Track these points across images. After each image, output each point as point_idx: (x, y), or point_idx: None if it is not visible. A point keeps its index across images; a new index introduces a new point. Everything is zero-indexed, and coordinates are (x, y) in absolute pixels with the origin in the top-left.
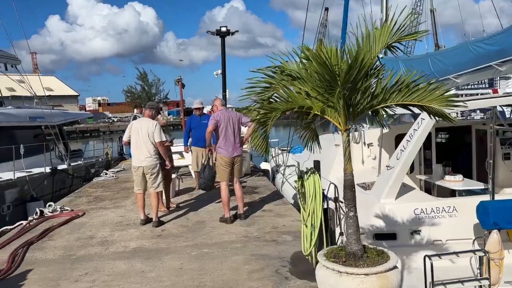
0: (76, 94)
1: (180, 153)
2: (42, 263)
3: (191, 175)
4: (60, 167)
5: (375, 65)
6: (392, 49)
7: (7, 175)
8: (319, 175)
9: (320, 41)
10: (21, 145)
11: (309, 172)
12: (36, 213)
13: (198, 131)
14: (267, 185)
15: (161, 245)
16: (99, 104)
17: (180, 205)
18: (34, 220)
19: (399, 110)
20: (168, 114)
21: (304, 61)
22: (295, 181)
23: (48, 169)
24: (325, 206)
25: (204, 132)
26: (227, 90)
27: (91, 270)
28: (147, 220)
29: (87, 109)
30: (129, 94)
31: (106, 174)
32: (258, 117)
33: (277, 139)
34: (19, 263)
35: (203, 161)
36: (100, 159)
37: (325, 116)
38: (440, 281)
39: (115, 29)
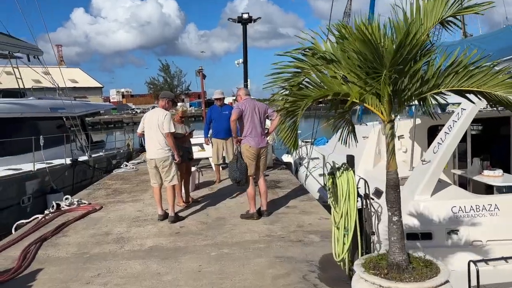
0: (100, 86)
1: (201, 145)
2: (53, 261)
3: (211, 167)
4: (81, 158)
5: (425, 45)
6: (446, 25)
7: (28, 167)
8: (353, 172)
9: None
10: (41, 136)
11: (342, 168)
12: (53, 206)
13: (218, 122)
14: (290, 179)
15: (179, 243)
16: (123, 96)
17: (200, 199)
18: (50, 214)
19: (451, 99)
20: (190, 106)
21: (340, 41)
22: (320, 175)
23: (68, 161)
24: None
25: (225, 124)
26: (248, 80)
27: (104, 271)
28: (165, 216)
29: (111, 100)
30: (152, 85)
31: (126, 165)
32: (286, 106)
33: (299, 131)
34: (30, 261)
35: (223, 153)
36: (121, 151)
37: (365, 104)
38: None
39: (138, 21)
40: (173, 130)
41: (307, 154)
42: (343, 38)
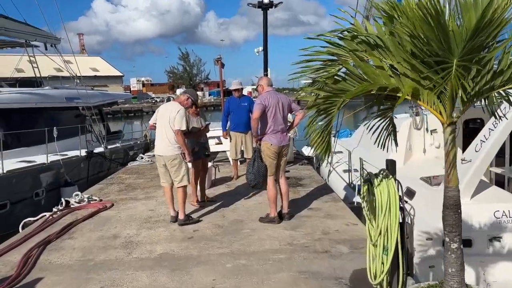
0: (120, 74)
1: (218, 137)
2: (55, 269)
3: (228, 161)
4: (97, 150)
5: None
6: None
7: (42, 159)
8: (395, 180)
9: (367, 18)
10: (54, 127)
11: (381, 175)
12: (61, 203)
13: (237, 114)
14: (313, 175)
15: (192, 251)
16: (143, 85)
17: (216, 198)
18: (58, 212)
19: None
20: (209, 95)
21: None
22: (345, 171)
23: (83, 152)
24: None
25: (243, 116)
26: (268, 69)
27: (108, 283)
28: (178, 216)
29: (131, 89)
30: (172, 74)
31: (142, 158)
32: (318, 103)
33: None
34: (30, 269)
35: (241, 147)
36: (138, 141)
37: (418, 101)
38: None
39: (158, 9)
40: (183, 128)
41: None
42: (391, 19)
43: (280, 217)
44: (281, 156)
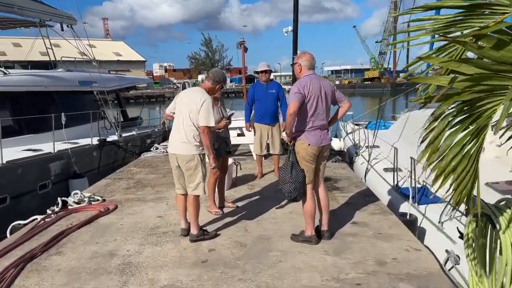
0: (143, 59)
1: (240, 128)
2: None
3: (250, 154)
4: (110, 138)
5: None
6: None
7: (50, 147)
8: None
9: (395, 3)
10: (62, 113)
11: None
12: (58, 204)
13: (263, 103)
14: (350, 176)
15: (205, 284)
16: (165, 70)
17: (238, 203)
18: (52, 215)
19: None
20: (231, 81)
21: None
22: (386, 170)
23: (95, 141)
24: None
25: (271, 105)
26: (298, 53)
27: None
28: (190, 229)
29: (154, 74)
30: (194, 60)
31: (157, 149)
32: (456, 92)
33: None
34: None
35: (267, 141)
36: (156, 129)
37: None
38: None
39: None
40: (211, 124)
41: (365, 142)
42: None
43: (318, 235)
44: (320, 159)
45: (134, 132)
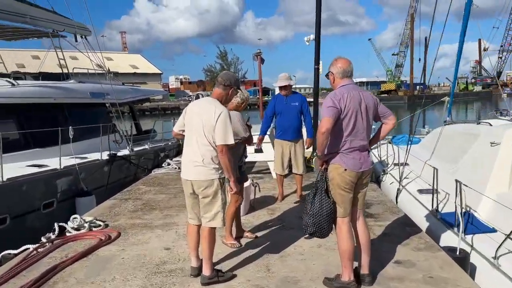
0: (159, 72)
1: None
2: None
3: (269, 172)
4: (121, 152)
5: None
6: None
7: (56, 163)
8: None
9: (412, 16)
10: (70, 127)
11: None
12: (54, 230)
13: (284, 117)
14: (384, 200)
15: None
16: (181, 83)
17: (257, 232)
18: (46, 244)
19: None
20: None
21: None
22: (421, 192)
23: (105, 155)
24: None
25: (294, 120)
26: (320, 63)
27: None
28: (201, 268)
29: (169, 87)
30: (209, 72)
31: (169, 164)
32: None
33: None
34: None
35: (290, 159)
36: (170, 143)
37: None
38: None
39: (198, 9)
40: (231, 141)
41: (394, 159)
42: None
43: (357, 279)
44: (359, 187)
45: (146, 146)
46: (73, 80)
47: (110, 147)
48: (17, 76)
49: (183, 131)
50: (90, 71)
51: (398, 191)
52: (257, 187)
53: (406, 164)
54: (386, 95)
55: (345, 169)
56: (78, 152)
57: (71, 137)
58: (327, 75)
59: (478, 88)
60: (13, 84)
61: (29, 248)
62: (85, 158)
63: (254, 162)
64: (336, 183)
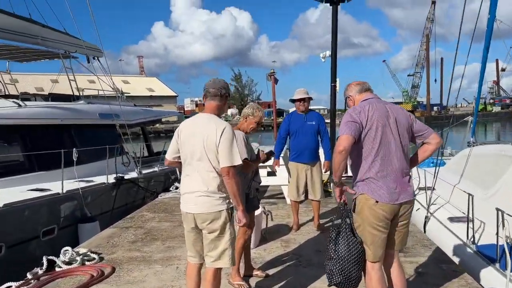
0: (175, 94)
1: (271, 166)
2: None
3: (282, 197)
4: (129, 175)
5: None
6: None
7: (60, 186)
8: None
9: (427, 36)
10: (74, 149)
11: None
12: (42, 264)
13: (301, 137)
14: (412, 230)
15: None
16: (196, 105)
17: (269, 270)
18: (32, 281)
19: None
20: None
21: None
22: (452, 220)
23: (112, 179)
24: None
25: (310, 140)
26: (337, 80)
27: None
28: None
29: (185, 109)
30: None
31: (177, 188)
32: None
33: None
34: None
35: (306, 184)
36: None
37: None
38: None
39: (213, 34)
40: (238, 161)
41: (419, 182)
42: None
43: None
44: (397, 224)
45: (156, 169)
46: (83, 101)
47: (116, 169)
48: (25, 97)
49: (179, 157)
50: (100, 92)
51: (426, 219)
52: (269, 215)
53: (429, 188)
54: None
55: (376, 201)
56: (84, 175)
57: (75, 159)
58: (345, 102)
59: (497, 109)
60: (19, 105)
61: (11, 287)
62: (91, 181)
63: (267, 187)
64: (366, 219)
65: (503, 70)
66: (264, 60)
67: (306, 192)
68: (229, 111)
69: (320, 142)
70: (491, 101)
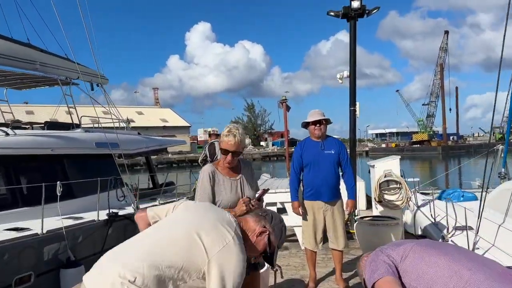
0: (188, 125)
1: (282, 203)
2: None
3: (295, 240)
4: (124, 211)
5: None
6: None
7: (47, 223)
8: None
9: (441, 66)
10: (58, 182)
11: None
12: None
13: (317, 170)
14: None
15: None
16: (209, 135)
17: None
18: None
19: None
20: (272, 145)
21: None
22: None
23: (105, 215)
24: None
25: (329, 172)
26: (357, 104)
27: None
28: None
29: (198, 139)
30: (236, 124)
31: None
32: None
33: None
34: None
35: (324, 228)
36: (185, 197)
37: None
38: None
39: (226, 66)
40: None
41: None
42: None
43: None
44: None
45: (156, 202)
46: (80, 130)
47: (109, 204)
48: (17, 125)
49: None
50: (102, 121)
51: None
52: (278, 271)
53: (469, 227)
54: (419, 145)
55: None
56: (74, 211)
57: (58, 194)
58: None
59: None
60: (7, 134)
61: None
62: (80, 218)
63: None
64: None
65: None
66: (277, 91)
67: (324, 237)
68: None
69: (341, 176)
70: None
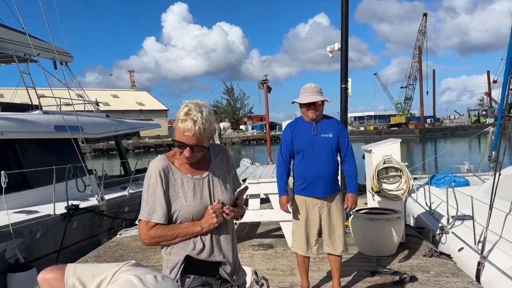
0: (165, 108)
1: (266, 195)
2: None
3: (282, 236)
4: (87, 202)
5: None
6: None
7: None
8: None
9: (419, 48)
10: (2, 172)
11: None
12: None
13: (310, 158)
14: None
15: None
16: None
17: None
18: None
19: None
20: (252, 129)
21: None
22: None
23: (63, 208)
24: None
25: (326, 160)
26: (349, 80)
27: None
28: None
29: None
30: (215, 108)
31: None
32: None
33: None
34: None
35: (319, 229)
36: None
37: None
38: None
39: (204, 48)
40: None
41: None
42: None
43: None
44: None
45: (125, 192)
46: (38, 111)
47: (68, 196)
48: None
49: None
50: (63, 101)
51: (481, 267)
52: (264, 285)
53: (468, 217)
54: (396, 128)
55: None
56: (27, 204)
57: (4, 185)
58: None
59: (490, 120)
60: None
61: None
62: (35, 212)
63: (258, 223)
64: None
65: (494, 82)
66: (255, 74)
67: (317, 240)
68: (221, 125)
69: (340, 164)
70: (484, 113)
